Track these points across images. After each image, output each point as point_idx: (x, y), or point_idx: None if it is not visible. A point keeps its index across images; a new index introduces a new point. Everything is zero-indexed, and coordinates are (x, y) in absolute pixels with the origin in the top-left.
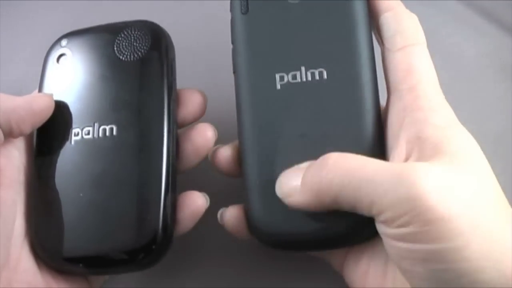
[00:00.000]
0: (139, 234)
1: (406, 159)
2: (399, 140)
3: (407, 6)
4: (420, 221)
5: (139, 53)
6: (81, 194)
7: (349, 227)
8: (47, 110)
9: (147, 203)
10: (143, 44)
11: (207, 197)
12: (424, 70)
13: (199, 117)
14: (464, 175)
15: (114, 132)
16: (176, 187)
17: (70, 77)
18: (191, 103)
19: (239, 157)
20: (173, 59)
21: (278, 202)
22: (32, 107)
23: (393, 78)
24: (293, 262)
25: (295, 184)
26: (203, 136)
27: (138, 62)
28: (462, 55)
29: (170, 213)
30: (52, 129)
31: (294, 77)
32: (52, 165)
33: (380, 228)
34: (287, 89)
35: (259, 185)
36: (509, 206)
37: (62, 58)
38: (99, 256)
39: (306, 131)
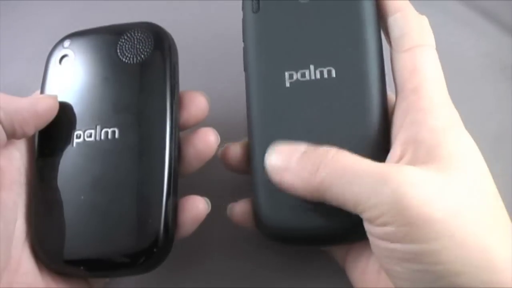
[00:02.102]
0: (140, 237)
1: (399, 160)
2: (396, 140)
3: None
4: (399, 221)
5: (142, 56)
6: (82, 197)
7: (353, 224)
8: (51, 112)
9: (148, 207)
10: (146, 46)
11: (208, 201)
12: (428, 71)
13: (201, 120)
14: (453, 181)
15: (116, 135)
16: (177, 191)
17: (72, 79)
18: (193, 105)
19: (248, 154)
20: (176, 62)
21: (284, 198)
22: (36, 108)
23: (399, 78)
24: (294, 263)
25: (287, 163)
26: (206, 141)
27: (140, 65)
28: (462, 55)
29: (171, 216)
30: (54, 131)
31: (303, 75)
32: (53, 167)
33: (365, 225)
34: (296, 86)
35: (266, 181)
36: (505, 212)
37: (64, 59)
38: (100, 259)
39: (313, 127)
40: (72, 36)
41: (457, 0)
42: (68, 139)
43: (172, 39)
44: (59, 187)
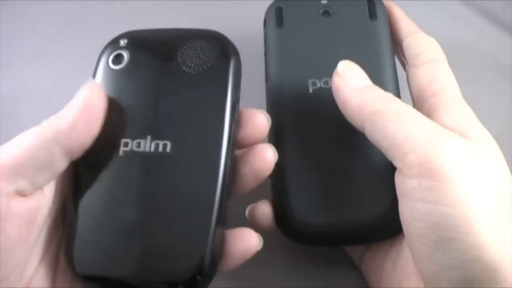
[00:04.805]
0: (183, 264)
1: None
2: None
3: (407, 6)
4: (438, 176)
5: (204, 66)
6: (124, 212)
7: (375, 223)
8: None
9: (195, 231)
10: (210, 57)
11: (261, 238)
12: (445, 79)
13: (260, 140)
14: (484, 156)
15: (168, 149)
16: (227, 216)
17: (124, 81)
18: (253, 125)
19: None
20: (239, 77)
21: (312, 198)
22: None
23: (417, 88)
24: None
25: (358, 80)
26: (263, 158)
27: (202, 76)
28: (462, 55)
29: (218, 244)
30: (100, 135)
31: (326, 83)
32: (96, 173)
33: (399, 180)
34: (319, 92)
35: (295, 182)
36: None
37: (118, 59)
38: (138, 284)
39: (335, 129)
40: (129, 34)
41: (457, 0)
42: (114, 146)
43: (237, 52)
44: (99, 197)
